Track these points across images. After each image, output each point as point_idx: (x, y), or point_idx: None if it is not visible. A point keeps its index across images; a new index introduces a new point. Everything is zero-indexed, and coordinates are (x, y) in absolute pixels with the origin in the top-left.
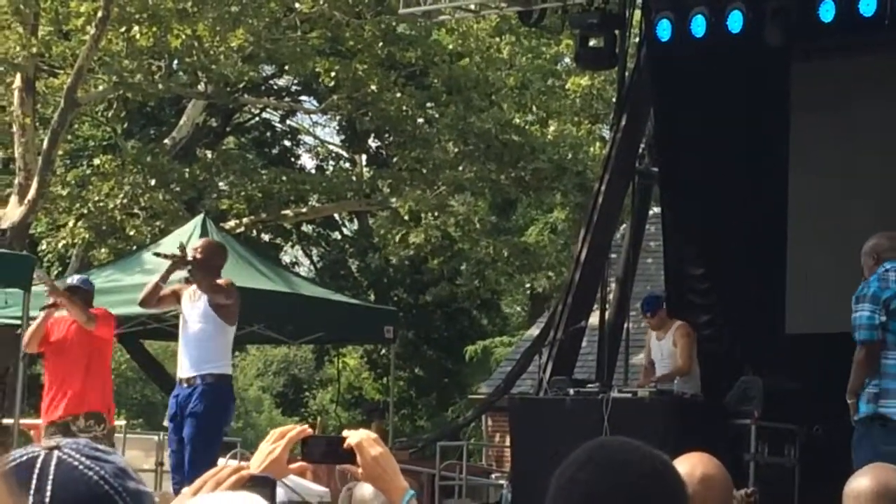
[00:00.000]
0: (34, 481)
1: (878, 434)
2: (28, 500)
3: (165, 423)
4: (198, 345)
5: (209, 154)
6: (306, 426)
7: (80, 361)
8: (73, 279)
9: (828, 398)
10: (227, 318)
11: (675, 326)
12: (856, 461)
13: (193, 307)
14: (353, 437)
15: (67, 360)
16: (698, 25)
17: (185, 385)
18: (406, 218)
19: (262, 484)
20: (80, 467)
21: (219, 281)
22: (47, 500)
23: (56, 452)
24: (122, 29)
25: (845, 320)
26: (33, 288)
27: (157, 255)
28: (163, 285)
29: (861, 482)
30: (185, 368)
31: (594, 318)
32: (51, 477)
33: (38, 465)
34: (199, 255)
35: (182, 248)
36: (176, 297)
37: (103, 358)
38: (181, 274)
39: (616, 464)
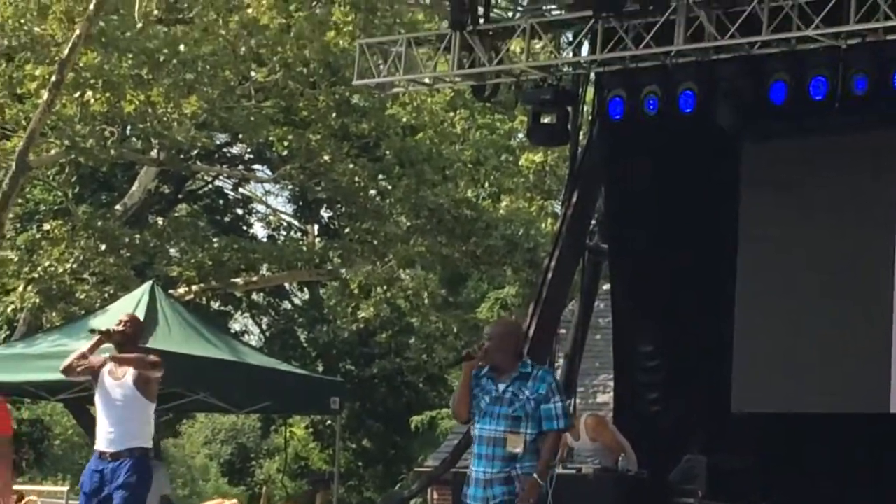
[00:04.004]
0: None
1: None
2: None
3: (80, 499)
4: (124, 420)
5: (160, 220)
6: None
7: None
8: None
9: (772, 477)
10: (150, 395)
11: (582, 421)
12: None
13: (117, 383)
14: None
15: None
16: (650, 104)
17: (110, 459)
18: (356, 292)
19: None
20: None
21: (152, 357)
22: None
23: None
24: (76, 94)
25: (791, 400)
26: None
27: (93, 330)
28: (89, 356)
29: None
30: (108, 442)
31: None
32: None
33: None
34: (127, 329)
35: (106, 330)
36: (92, 371)
37: None
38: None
39: None
